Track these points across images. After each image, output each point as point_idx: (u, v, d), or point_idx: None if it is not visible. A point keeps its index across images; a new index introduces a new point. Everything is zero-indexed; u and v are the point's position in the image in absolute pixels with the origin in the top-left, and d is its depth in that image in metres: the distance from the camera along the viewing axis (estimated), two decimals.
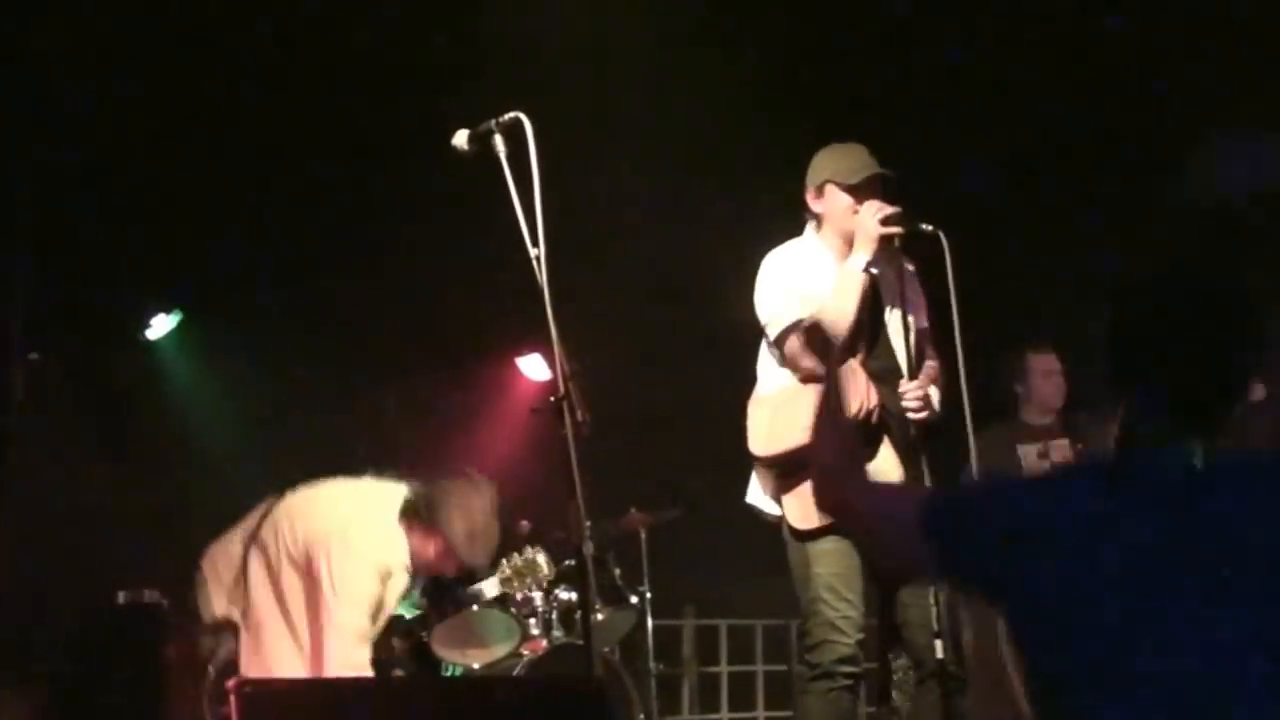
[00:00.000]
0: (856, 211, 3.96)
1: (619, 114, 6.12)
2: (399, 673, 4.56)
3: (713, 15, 5.86)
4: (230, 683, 2.63)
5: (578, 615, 5.07)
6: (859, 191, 3.99)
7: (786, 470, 3.92)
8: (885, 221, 3.89)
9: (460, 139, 3.37)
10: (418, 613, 4.74)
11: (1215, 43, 5.96)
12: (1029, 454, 5.21)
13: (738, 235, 4.56)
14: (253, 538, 4.03)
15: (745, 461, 4.07)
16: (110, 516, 5.99)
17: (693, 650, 7.57)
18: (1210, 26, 5.93)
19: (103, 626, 4.98)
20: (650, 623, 6.05)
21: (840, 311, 3.88)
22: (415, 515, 4.01)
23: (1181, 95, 6.22)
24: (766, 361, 4.10)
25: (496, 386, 7.90)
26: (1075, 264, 6.22)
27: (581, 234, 4.36)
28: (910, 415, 3.87)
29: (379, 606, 3.93)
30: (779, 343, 3.99)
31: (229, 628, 4.05)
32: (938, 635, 3.69)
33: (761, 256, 4.14)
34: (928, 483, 3.83)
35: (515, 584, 4.84)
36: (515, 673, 4.85)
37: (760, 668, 7.73)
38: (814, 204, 4.09)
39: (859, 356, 3.93)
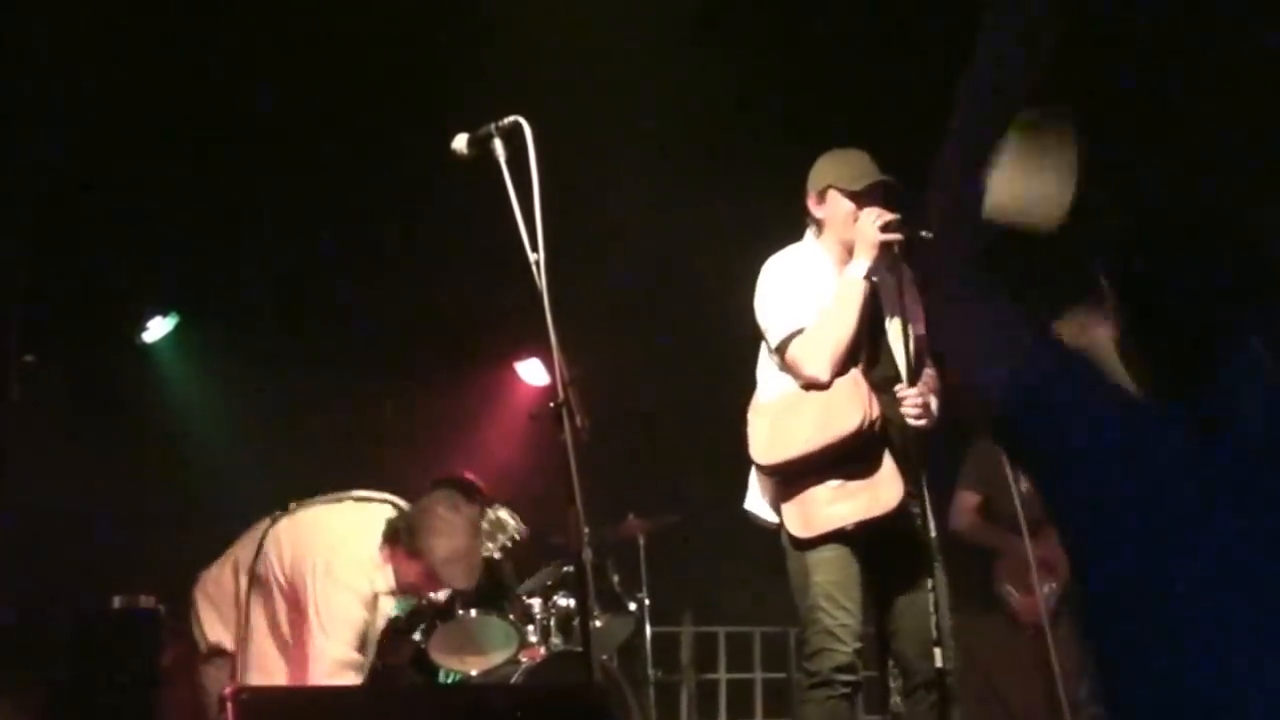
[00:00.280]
0: (857, 218, 3.94)
1: (619, 114, 6.10)
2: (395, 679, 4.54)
3: (713, 16, 5.84)
4: (226, 690, 2.61)
5: (576, 622, 5.06)
6: (861, 198, 3.97)
7: (787, 478, 3.90)
8: (885, 228, 3.86)
9: (460, 143, 3.35)
10: (410, 606, 4.69)
11: None
12: None
13: (737, 238, 4.54)
14: (249, 570, 4.02)
15: (744, 468, 4.04)
16: (106, 520, 5.96)
17: (691, 657, 7.53)
18: None
19: (98, 631, 4.94)
20: (648, 629, 6.03)
21: (841, 321, 3.86)
22: (397, 540, 3.99)
23: None
24: (767, 368, 4.08)
25: (495, 391, 7.88)
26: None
27: (581, 235, 4.34)
28: (910, 422, 3.85)
29: (366, 633, 3.91)
30: (780, 350, 3.97)
31: (223, 655, 4.04)
32: (937, 643, 3.67)
33: (761, 260, 4.12)
34: (926, 492, 3.82)
35: (485, 544, 4.77)
36: (513, 680, 4.83)
37: (759, 675, 7.69)
38: (815, 209, 4.07)
39: (860, 367, 3.91)
